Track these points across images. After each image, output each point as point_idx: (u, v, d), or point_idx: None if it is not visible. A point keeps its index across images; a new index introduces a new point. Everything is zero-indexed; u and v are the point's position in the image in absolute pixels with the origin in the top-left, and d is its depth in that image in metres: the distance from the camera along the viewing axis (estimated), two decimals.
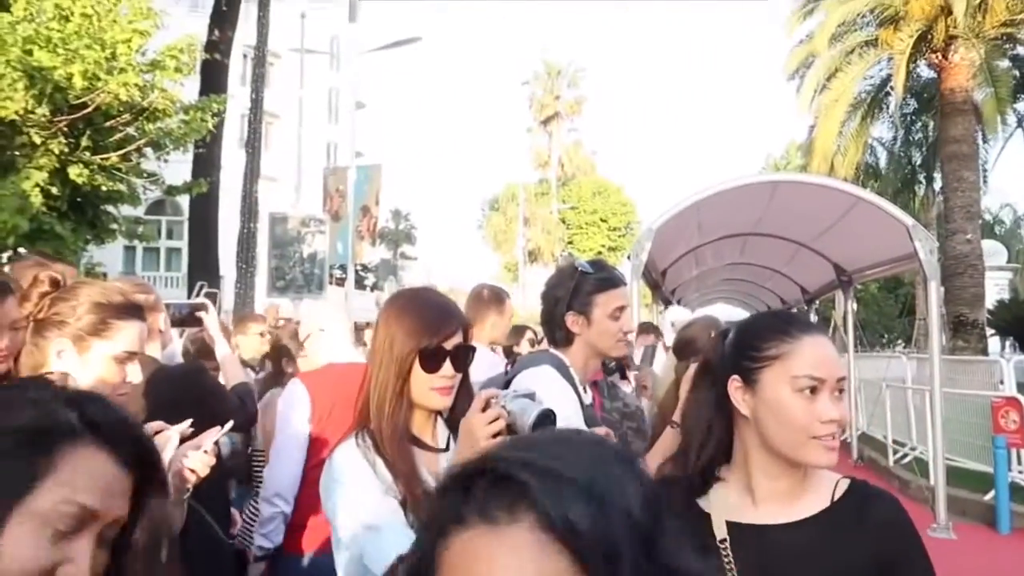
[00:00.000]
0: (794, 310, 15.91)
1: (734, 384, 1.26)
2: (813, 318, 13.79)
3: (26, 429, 0.74)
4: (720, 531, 1.22)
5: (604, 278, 2.01)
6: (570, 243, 44.89)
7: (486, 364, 3.04)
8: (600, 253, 45.02)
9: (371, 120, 39.17)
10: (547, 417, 1.33)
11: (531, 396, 1.39)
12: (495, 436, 1.32)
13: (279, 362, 3.73)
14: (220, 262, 14.63)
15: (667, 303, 10.87)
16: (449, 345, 1.52)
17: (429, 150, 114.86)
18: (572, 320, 1.98)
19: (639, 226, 41.42)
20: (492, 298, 3.37)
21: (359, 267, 32.05)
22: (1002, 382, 7.50)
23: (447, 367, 1.52)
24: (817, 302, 12.90)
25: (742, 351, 1.27)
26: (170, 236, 28.82)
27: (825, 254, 9.49)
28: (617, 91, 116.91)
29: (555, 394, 1.85)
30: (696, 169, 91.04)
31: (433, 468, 1.53)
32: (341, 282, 22.20)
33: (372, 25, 35.87)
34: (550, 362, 1.97)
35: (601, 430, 1.88)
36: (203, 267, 13.81)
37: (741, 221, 8.81)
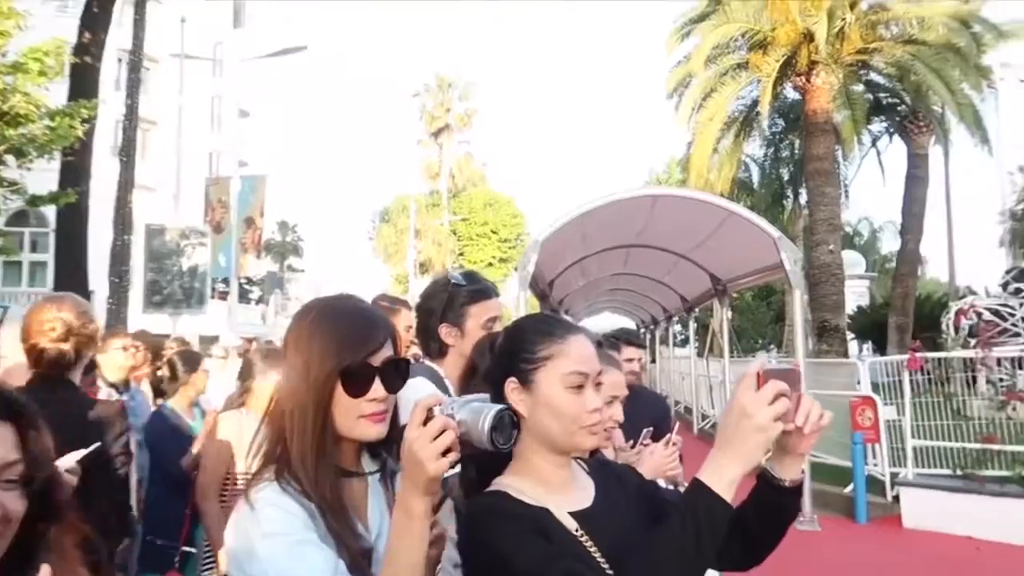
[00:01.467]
0: (674, 319, 16.63)
1: (511, 385, 1.35)
2: (692, 326, 14.44)
3: None
4: (569, 522, 1.29)
5: (477, 289, 2.05)
6: (461, 255, 45.00)
7: None
8: (491, 264, 45.37)
9: (256, 129, 37.98)
10: (505, 418, 1.16)
11: (481, 400, 1.21)
12: (445, 454, 1.12)
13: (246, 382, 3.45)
14: (90, 276, 13.81)
15: (555, 313, 11.11)
16: (377, 361, 1.27)
17: (317, 160, 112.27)
18: (446, 332, 2.01)
19: (529, 238, 42.09)
20: (388, 307, 3.39)
21: (243, 280, 30.97)
22: (859, 382, 8.12)
23: (377, 387, 1.26)
24: (696, 310, 13.52)
25: (516, 354, 1.37)
26: (34, 249, 26.87)
27: (702, 264, 10.00)
28: (508, 105, 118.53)
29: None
30: (584, 182, 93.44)
31: (361, 500, 1.32)
32: (224, 296, 21.39)
33: (257, 31, 34.85)
34: (424, 373, 1.97)
35: None
36: (71, 282, 12.97)
37: (624, 233, 9.16)
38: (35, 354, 2.30)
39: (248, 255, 20.00)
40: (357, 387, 1.26)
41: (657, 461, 2.71)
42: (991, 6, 18.48)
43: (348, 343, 1.26)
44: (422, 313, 2.08)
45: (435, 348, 2.04)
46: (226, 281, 19.84)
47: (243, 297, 34.50)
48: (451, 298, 2.03)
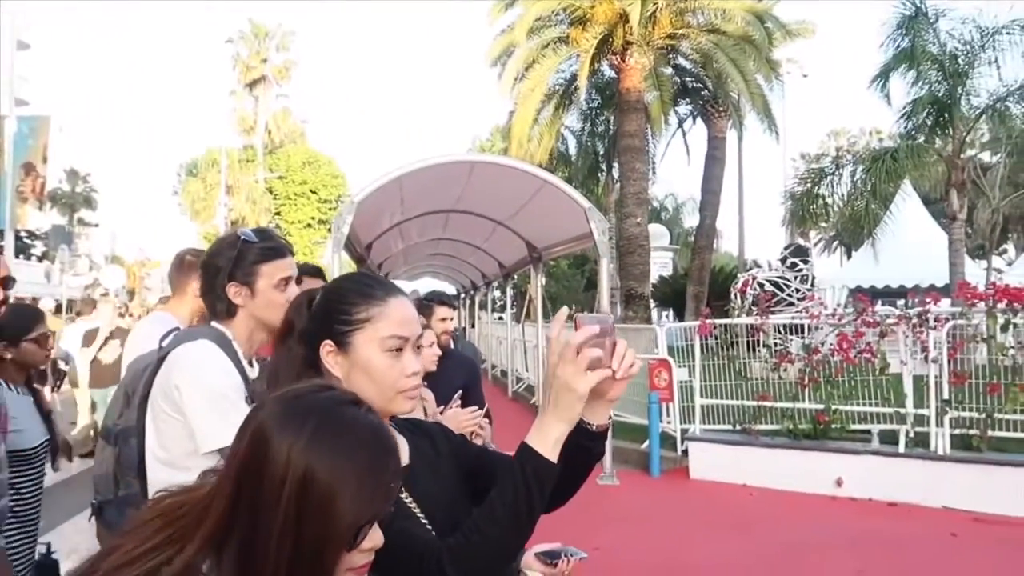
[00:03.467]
0: (494, 284, 16.99)
1: (326, 348, 1.31)
2: (510, 292, 14.83)
3: None
4: None
5: (269, 247, 1.93)
6: (277, 214, 43.03)
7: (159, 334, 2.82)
8: (310, 226, 43.79)
9: (39, 65, 33.74)
10: None
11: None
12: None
13: None
14: None
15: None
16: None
17: (116, 105, 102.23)
18: (235, 291, 1.89)
19: (349, 198, 41.00)
20: (196, 264, 3.17)
21: (23, 234, 27.68)
22: (656, 346, 8.73)
23: (376, 535, 0.93)
24: (514, 276, 13.89)
25: (332, 316, 1.32)
26: None
27: (519, 232, 10.24)
28: (331, 61, 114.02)
29: (214, 369, 1.78)
30: (408, 147, 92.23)
31: None
32: None
33: None
34: (210, 335, 1.86)
35: None
36: None
37: (443, 198, 9.15)
38: None
39: (27, 205, 17.86)
40: (354, 540, 0.90)
41: (460, 422, 2.77)
42: (782, 6, 20.29)
43: (368, 498, 0.88)
44: (208, 270, 1.92)
45: (222, 309, 1.89)
46: (1, 233, 17.62)
47: (22, 252, 30.95)
48: (240, 255, 1.89)
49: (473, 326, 20.94)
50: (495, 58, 19.97)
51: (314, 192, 44.02)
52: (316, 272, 2.90)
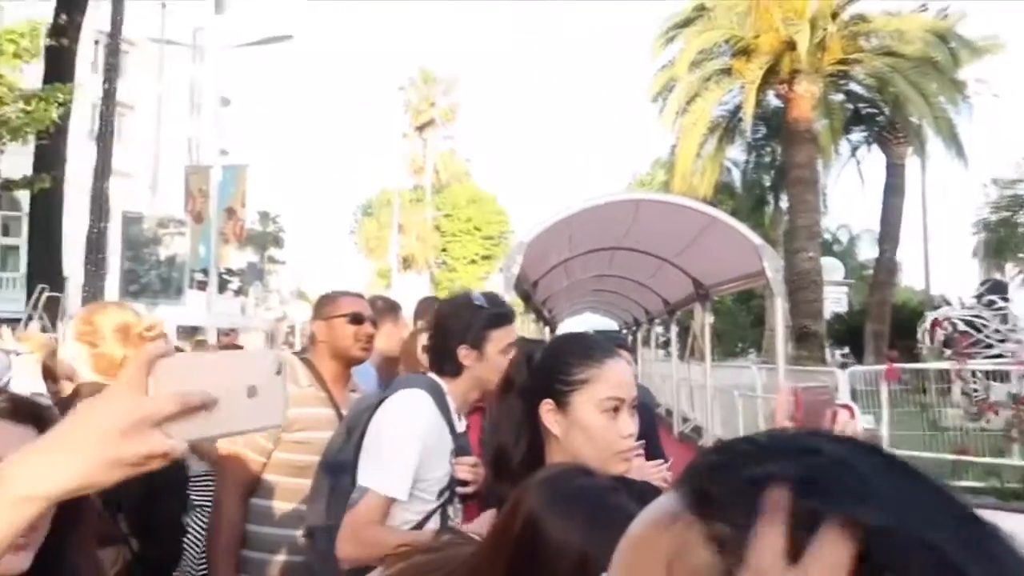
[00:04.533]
0: (656, 321, 16.70)
1: (546, 407, 1.36)
2: (674, 329, 14.52)
3: None
4: None
5: (499, 314, 2.02)
6: (444, 251, 44.86)
7: (362, 374, 3.02)
8: (474, 261, 45.29)
9: (237, 117, 37.51)
10: None
11: None
12: None
13: None
14: (64, 263, 13.60)
15: (538, 313, 11.11)
16: None
17: (300, 151, 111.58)
18: (464, 353, 1.96)
19: (512, 235, 42.01)
20: (386, 308, 3.42)
21: (223, 271, 30.64)
22: (838, 390, 8.19)
23: None
24: (678, 313, 13.58)
25: (553, 376, 1.36)
26: (6, 233, 26.35)
27: (685, 269, 10.03)
28: (492, 102, 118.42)
29: (415, 420, 1.87)
30: (567, 181, 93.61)
31: None
32: (203, 287, 21.14)
33: (240, 18, 34.45)
34: (427, 387, 1.95)
35: (469, 460, 1.94)
36: (45, 268, 12.78)
37: (608, 236, 9.16)
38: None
39: (229, 246, 19.80)
40: None
41: (646, 476, 2.72)
42: (965, 22, 18.78)
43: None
44: (439, 331, 2.03)
45: (449, 368, 1.99)
46: (205, 271, 19.60)
47: (223, 288, 34.19)
48: (472, 321, 1.99)
49: (635, 364, 20.58)
50: (656, 93, 19.90)
51: (478, 229, 45.53)
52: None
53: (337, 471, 1.94)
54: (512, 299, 7.73)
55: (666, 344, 19.81)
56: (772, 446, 0.42)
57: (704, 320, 11.19)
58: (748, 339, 30.83)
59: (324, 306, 2.59)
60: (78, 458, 0.69)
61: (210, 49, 29.51)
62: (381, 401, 1.95)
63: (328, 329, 2.52)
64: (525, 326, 11.48)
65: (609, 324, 18.28)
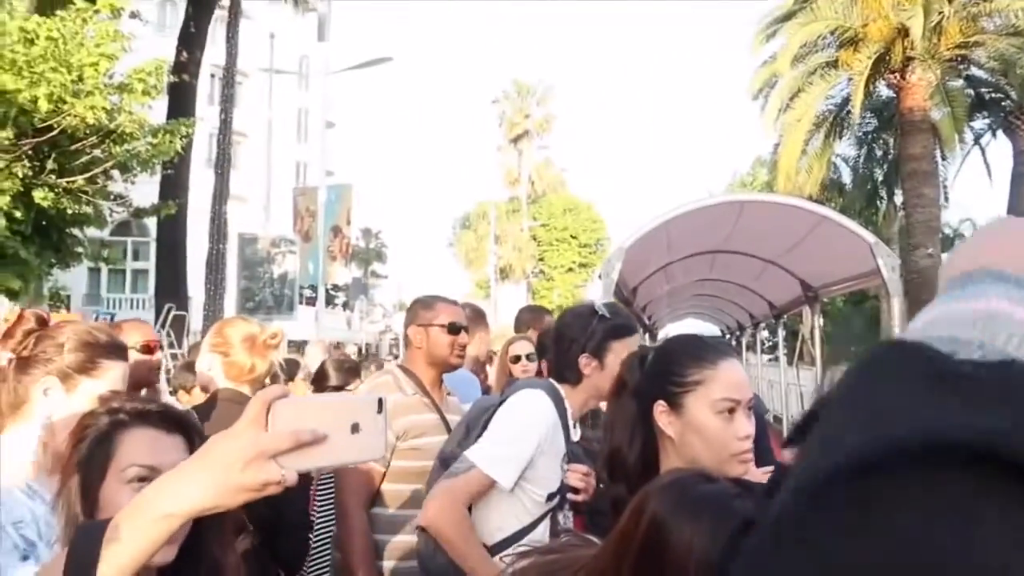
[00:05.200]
0: (762, 325, 16.18)
1: (659, 408, 1.35)
2: (781, 332, 14.03)
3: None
4: None
5: (621, 324, 2.03)
6: (541, 260, 45.05)
7: (466, 382, 3.07)
8: (571, 270, 45.27)
9: (341, 139, 39.05)
10: None
11: None
12: None
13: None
14: (188, 284, 14.49)
15: (638, 319, 10.97)
16: None
17: (400, 168, 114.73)
18: (585, 362, 1.98)
19: (609, 242, 41.75)
20: (475, 315, 3.50)
21: (330, 287, 31.89)
22: None
23: None
24: (785, 316, 13.11)
25: (666, 377, 1.36)
26: (136, 257, 28.37)
27: (792, 270, 9.67)
28: (587, 109, 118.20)
29: (537, 414, 1.90)
30: (665, 185, 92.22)
31: None
32: (312, 302, 22.05)
33: (342, 44, 35.89)
34: (547, 389, 1.97)
35: (581, 468, 1.94)
36: (171, 289, 13.66)
37: (709, 239, 8.96)
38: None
39: (335, 263, 20.60)
40: None
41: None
42: None
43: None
44: (561, 340, 2.06)
45: (572, 377, 2.01)
46: (314, 288, 20.44)
47: (330, 303, 35.49)
48: (595, 330, 2.00)
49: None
50: (757, 90, 19.34)
51: (574, 237, 45.47)
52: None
53: (452, 463, 1.99)
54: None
55: (773, 348, 19.17)
56: None
57: (814, 323, 10.75)
58: (861, 343, 29.36)
59: (421, 311, 2.61)
60: (208, 484, 0.84)
61: (314, 75, 30.87)
62: (503, 401, 2.00)
63: (425, 336, 2.55)
64: None
65: (712, 329, 17.85)
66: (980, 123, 19.36)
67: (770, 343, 21.30)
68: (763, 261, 9.65)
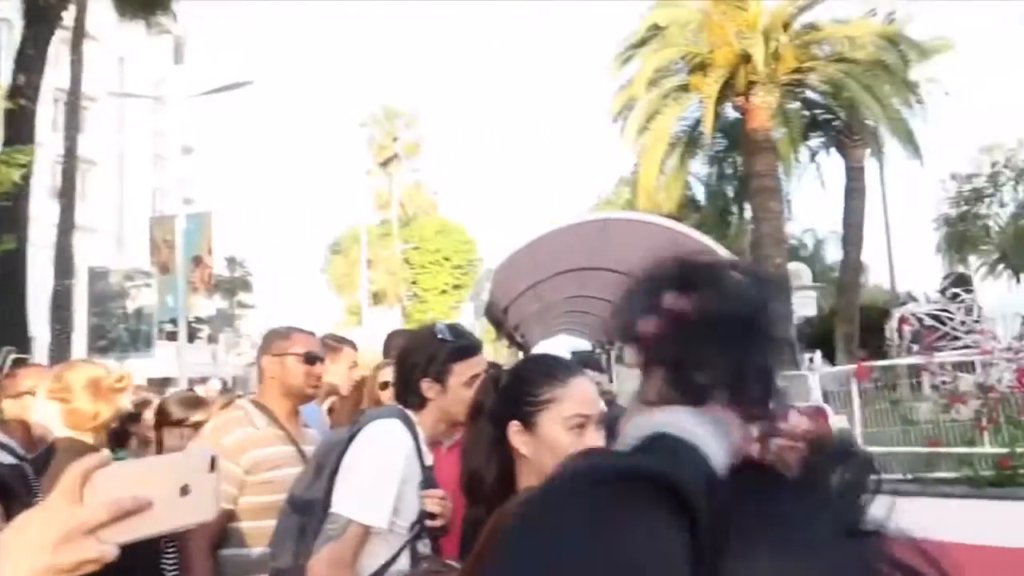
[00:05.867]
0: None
1: (513, 428, 1.39)
2: None
3: None
4: None
5: (462, 346, 2.02)
6: (415, 283, 44.78)
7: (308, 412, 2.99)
8: (444, 291, 45.23)
9: (201, 165, 37.34)
10: None
11: None
12: None
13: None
14: (30, 323, 13.39)
15: (511, 338, 11.14)
16: None
17: (265, 194, 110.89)
18: (427, 386, 1.98)
19: (481, 263, 42.06)
20: (334, 344, 3.46)
21: (193, 320, 30.31)
22: (810, 393, 8.30)
23: None
24: None
25: (519, 398, 1.40)
26: None
27: None
28: (456, 131, 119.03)
29: (392, 448, 1.88)
30: (535, 205, 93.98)
31: None
32: (173, 337, 20.89)
33: (200, 66, 34.44)
34: (399, 417, 1.95)
35: (437, 492, 1.94)
36: (9, 329, 12.56)
37: (576, 257, 9.26)
38: None
39: (198, 294, 19.63)
40: None
41: None
42: (914, 26, 19.36)
43: None
44: (403, 365, 2.05)
45: (414, 401, 2.00)
46: (174, 322, 19.40)
47: (193, 337, 33.78)
48: (435, 353, 2.00)
49: (611, 382, 20.68)
50: (616, 112, 20.18)
51: (447, 259, 45.54)
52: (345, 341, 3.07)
53: (305, 510, 1.92)
54: (483, 326, 7.77)
55: None
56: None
57: None
58: None
59: (276, 341, 2.55)
60: (15, 569, 0.75)
61: (170, 99, 29.48)
62: (353, 435, 1.94)
63: (280, 367, 2.50)
64: (499, 351, 11.49)
65: (583, 344, 18.36)
66: (815, 142, 21.07)
67: None
68: (627, 276, 10.06)
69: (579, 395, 1.38)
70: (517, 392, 1.42)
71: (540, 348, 15.68)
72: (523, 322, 12.58)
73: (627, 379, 19.36)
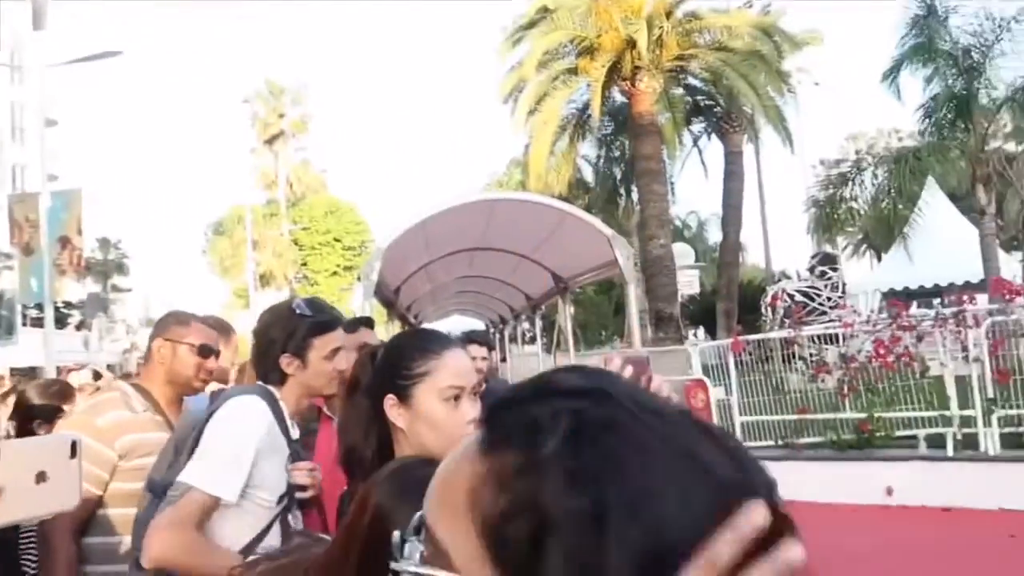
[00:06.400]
0: (522, 317, 17.05)
1: (389, 402, 1.39)
2: (539, 323, 14.87)
3: None
4: None
5: (321, 321, 2.00)
6: (304, 265, 43.61)
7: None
8: (336, 273, 44.30)
9: (67, 140, 34.89)
10: None
11: None
12: None
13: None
14: None
15: (403, 319, 11.06)
16: None
17: (141, 172, 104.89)
18: (287, 362, 1.96)
19: (374, 244, 41.47)
20: (218, 328, 3.32)
21: (61, 305, 28.39)
22: (691, 366, 8.70)
23: None
24: (542, 307, 13.92)
25: (393, 371, 1.40)
26: None
27: (544, 264, 10.30)
28: (346, 109, 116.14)
29: (251, 424, 1.85)
30: (428, 186, 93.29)
31: None
32: (38, 323, 19.51)
33: (64, 34, 32.08)
34: (260, 394, 1.93)
35: (306, 464, 1.93)
36: None
37: (467, 237, 9.26)
38: None
39: (66, 277, 18.37)
40: None
41: None
42: (788, 18, 20.40)
43: None
44: (261, 340, 2.00)
45: (275, 378, 1.97)
46: (40, 307, 18.10)
47: (61, 323, 31.76)
48: (294, 329, 1.97)
49: (504, 360, 20.95)
50: (507, 94, 20.26)
51: (338, 240, 44.58)
52: (369, 323, 2.99)
53: (164, 493, 1.87)
54: (373, 306, 7.68)
55: (533, 339, 20.27)
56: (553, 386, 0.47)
57: (566, 312, 11.54)
58: (611, 327, 31.98)
59: (173, 326, 2.45)
60: None
61: (30, 68, 27.28)
62: (212, 414, 1.90)
63: (171, 353, 2.41)
64: (390, 333, 11.38)
65: (476, 324, 18.48)
66: (697, 127, 21.91)
67: (530, 334, 22.45)
68: (517, 256, 10.17)
69: (453, 366, 1.38)
70: (392, 366, 1.41)
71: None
72: (415, 303, 12.51)
73: (519, 358, 19.67)
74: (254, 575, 1.03)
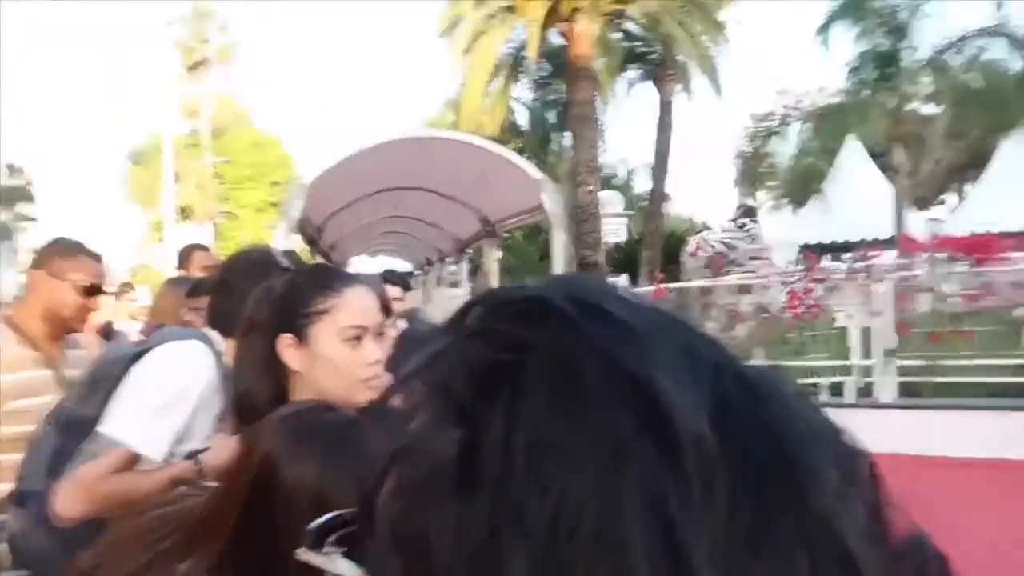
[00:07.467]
0: (449, 260, 16.96)
1: (285, 342, 1.31)
2: (465, 267, 14.84)
3: None
4: None
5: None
6: (227, 199, 42.18)
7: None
8: (260, 209, 42.99)
9: None
10: None
11: None
12: None
13: None
14: None
15: (327, 257, 10.86)
16: None
17: (50, 95, 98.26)
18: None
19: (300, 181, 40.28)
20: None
21: None
22: None
23: None
24: (469, 250, 13.87)
25: (291, 309, 1.32)
26: None
27: (472, 205, 10.23)
28: (274, 40, 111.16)
29: (184, 373, 1.71)
30: (357, 124, 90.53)
31: None
32: None
33: None
34: (200, 338, 1.77)
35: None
36: None
37: (395, 176, 9.09)
38: None
39: None
40: None
41: None
42: None
43: None
44: (229, 292, 1.79)
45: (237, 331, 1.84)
46: None
47: None
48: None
49: (429, 302, 20.85)
50: (444, 29, 19.73)
51: (263, 175, 43.21)
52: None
53: (71, 428, 1.73)
54: (296, 243, 7.51)
55: (458, 283, 20.26)
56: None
57: (491, 256, 11.54)
58: (537, 273, 32.19)
59: (56, 258, 2.21)
60: None
61: None
62: (143, 352, 1.74)
63: (50, 287, 2.19)
64: None
65: (404, 265, 18.32)
66: (633, 74, 21.88)
67: (457, 278, 22.42)
68: (445, 198, 10.06)
69: (355, 305, 1.32)
70: (289, 304, 1.32)
71: (356, 268, 15.45)
72: (340, 240, 12.28)
73: (443, 300, 19.64)
74: (128, 524, 0.97)
